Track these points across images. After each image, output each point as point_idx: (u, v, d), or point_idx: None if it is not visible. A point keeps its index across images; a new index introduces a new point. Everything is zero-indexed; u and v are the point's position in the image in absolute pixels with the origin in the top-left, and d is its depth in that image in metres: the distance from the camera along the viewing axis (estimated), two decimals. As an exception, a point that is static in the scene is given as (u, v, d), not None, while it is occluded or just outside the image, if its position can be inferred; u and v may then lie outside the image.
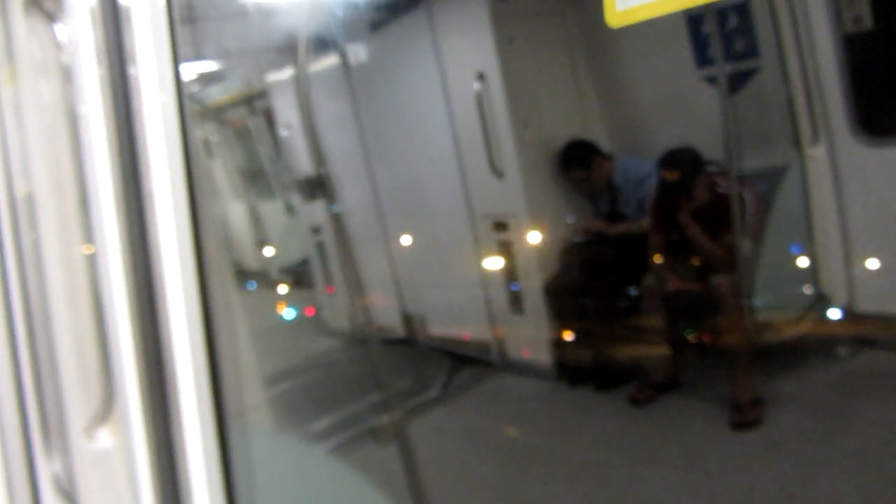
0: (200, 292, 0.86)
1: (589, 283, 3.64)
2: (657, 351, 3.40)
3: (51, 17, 1.55)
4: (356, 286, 3.34)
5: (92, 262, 1.56)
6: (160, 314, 0.90)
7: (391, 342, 4.37)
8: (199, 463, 0.89)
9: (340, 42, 3.98)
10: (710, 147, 3.24)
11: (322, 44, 3.90)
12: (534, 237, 3.76)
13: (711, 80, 3.35)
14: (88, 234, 1.56)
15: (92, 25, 0.94)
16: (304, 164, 3.93)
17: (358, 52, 4.09)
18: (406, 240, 4.34)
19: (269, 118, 5.33)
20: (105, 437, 1.62)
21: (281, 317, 5.05)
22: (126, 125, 0.91)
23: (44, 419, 1.53)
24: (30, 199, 1.51)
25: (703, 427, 3.09)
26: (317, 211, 4.44)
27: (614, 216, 3.74)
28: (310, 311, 5.10)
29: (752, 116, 3.23)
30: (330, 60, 4.14)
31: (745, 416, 2.96)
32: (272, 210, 6.29)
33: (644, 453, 3.04)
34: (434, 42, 3.81)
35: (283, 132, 4.86)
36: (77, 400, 1.58)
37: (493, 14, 3.59)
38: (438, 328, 4.29)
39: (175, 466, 0.94)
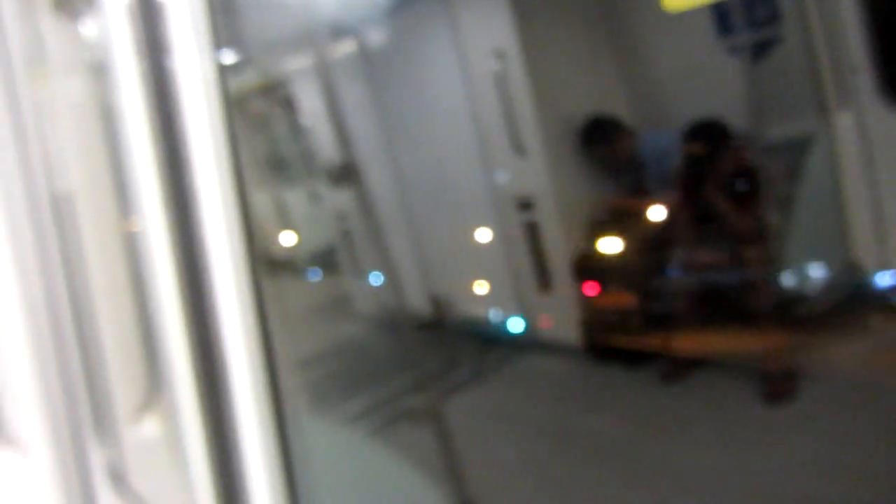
0: (250, 279, 0.88)
1: (616, 260, 3.64)
2: (687, 326, 3.39)
3: (78, 15, 1.57)
4: (387, 270, 3.36)
5: (131, 254, 1.60)
6: (208, 304, 0.92)
7: (419, 325, 4.40)
8: (255, 449, 0.91)
9: (358, 26, 3.98)
10: (735, 118, 3.20)
11: (340, 29, 3.90)
12: (559, 215, 3.75)
13: (734, 49, 3.31)
14: (126, 226, 1.59)
15: (128, 20, 0.96)
16: (328, 152, 3.95)
17: (375, 36, 4.09)
18: (431, 222, 4.35)
19: (291, 106, 5.35)
20: (151, 424, 1.66)
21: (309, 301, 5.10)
22: (166, 118, 0.92)
23: (95, 407, 1.57)
24: (69, 197, 1.54)
25: (735, 401, 3.09)
26: (341, 197, 4.46)
27: (639, 191, 3.71)
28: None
29: (776, 85, 3.19)
30: (348, 45, 4.14)
31: (777, 389, 2.95)
32: (294, 198, 6.34)
33: (676, 429, 3.04)
34: (452, 22, 3.79)
35: (305, 120, 4.88)
36: (122, 388, 1.62)
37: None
38: (466, 309, 4.31)
39: (229, 452, 0.96)
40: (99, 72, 1.55)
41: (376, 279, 4.24)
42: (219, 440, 0.99)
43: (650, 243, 3.57)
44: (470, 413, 3.54)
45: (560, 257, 3.76)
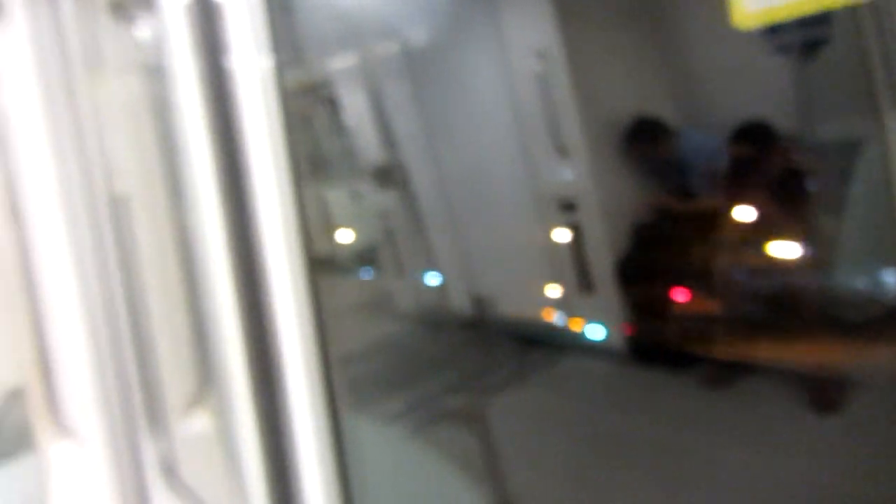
0: (306, 277, 0.89)
1: (659, 262, 3.60)
2: (731, 330, 3.34)
3: (133, 18, 1.61)
4: (431, 269, 3.37)
5: (184, 253, 1.63)
6: (264, 301, 0.94)
7: (460, 324, 4.40)
8: (310, 445, 0.92)
9: (400, 26, 4.01)
10: (783, 119, 3.14)
11: (382, 28, 3.92)
12: (602, 216, 3.73)
13: (782, 48, 3.24)
14: (179, 225, 1.63)
15: (186, 21, 0.98)
16: (371, 151, 3.97)
17: (417, 36, 4.11)
18: (472, 222, 4.36)
19: (333, 106, 5.40)
20: (201, 419, 1.70)
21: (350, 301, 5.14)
22: (223, 117, 0.94)
23: (148, 402, 1.61)
24: (125, 197, 1.59)
25: (780, 407, 3.02)
26: (383, 196, 4.49)
27: (683, 194, 3.67)
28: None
29: (826, 86, 3.11)
30: (390, 45, 4.17)
31: (827, 396, 2.88)
32: (335, 197, 6.39)
33: (719, 434, 2.99)
34: (494, 22, 3.79)
35: (347, 119, 4.92)
36: (173, 384, 1.66)
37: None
38: (507, 310, 4.31)
39: (282, 448, 0.97)
40: (153, 73, 1.59)
41: (433, 279, 4.26)
42: (272, 435, 1.01)
43: (693, 245, 3.52)
44: (511, 414, 3.54)
45: (603, 259, 3.73)
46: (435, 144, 4.35)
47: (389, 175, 2.60)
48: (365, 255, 5.80)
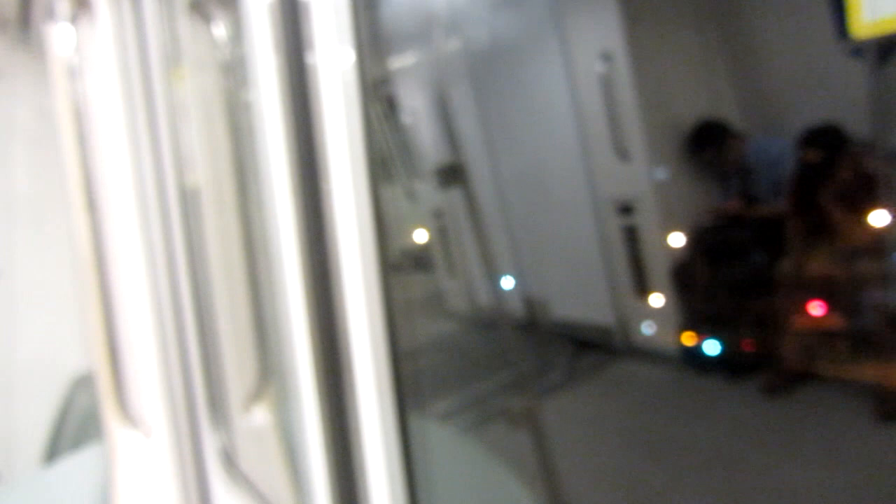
0: (381, 276, 0.89)
1: (720, 268, 3.52)
2: (794, 338, 3.24)
3: (211, 16, 1.64)
4: (489, 269, 3.37)
5: (249, 249, 1.65)
6: (336, 298, 0.94)
7: (513, 326, 4.38)
8: (377, 445, 0.92)
9: (464, 26, 4.00)
10: (856, 124, 3.04)
11: (445, 28, 3.93)
12: (661, 220, 3.66)
13: (856, 51, 3.13)
14: (246, 221, 1.65)
15: (270, 18, 0.99)
16: (429, 151, 3.97)
17: (480, 35, 4.10)
18: (529, 223, 4.33)
19: (391, 104, 5.44)
20: (261, 412, 1.72)
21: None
22: (304, 115, 0.95)
23: (210, 395, 1.63)
24: (195, 191, 1.61)
25: (844, 418, 2.93)
26: (438, 196, 4.50)
27: (748, 199, 3.58)
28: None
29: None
30: (453, 44, 4.17)
31: (893, 407, 2.79)
32: (389, 196, 6.45)
33: (778, 444, 2.91)
34: (558, 23, 3.76)
35: (406, 119, 4.95)
36: (235, 378, 1.69)
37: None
38: (561, 312, 4.27)
39: (349, 445, 0.97)
40: (228, 71, 1.61)
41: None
42: (337, 430, 1.01)
43: (757, 251, 3.43)
44: (563, 416, 3.51)
45: (660, 263, 3.67)
46: (495, 144, 4.34)
47: (451, 174, 2.61)
48: (419, 254, 5.84)
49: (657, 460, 3.04)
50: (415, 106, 4.78)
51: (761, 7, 3.38)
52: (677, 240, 3.63)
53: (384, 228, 0.88)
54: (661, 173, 3.64)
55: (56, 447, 2.49)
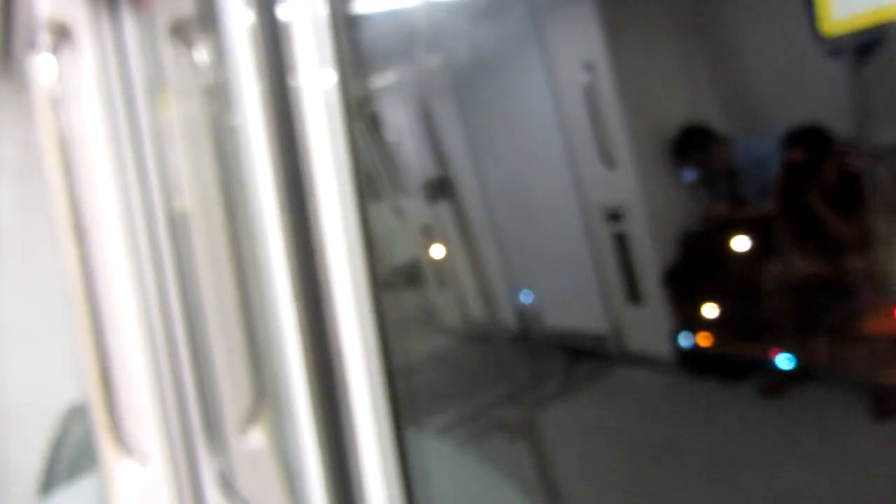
0: (371, 294, 0.89)
1: (710, 272, 3.53)
2: (786, 339, 3.26)
3: (193, 41, 1.64)
4: (481, 282, 3.37)
5: (240, 272, 1.65)
6: (328, 317, 0.94)
7: (507, 337, 4.38)
8: (374, 463, 0.92)
9: (444, 40, 4.03)
10: (838, 123, 3.07)
11: (426, 43, 3.95)
12: (649, 226, 3.68)
13: (835, 51, 3.17)
14: (236, 243, 1.65)
15: (251, 40, 0.99)
16: (416, 166, 3.98)
17: (462, 49, 4.13)
18: (517, 234, 4.34)
19: (374, 122, 5.45)
20: (257, 435, 1.72)
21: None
22: (287, 136, 0.95)
23: (206, 419, 1.63)
24: (184, 216, 1.61)
25: (841, 418, 2.94)
26: (426, 212, 4.50)
27: (735, 201, 3.60)
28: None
29: (882, 88, 3.03)
30: (434, 60, 4.19)
31: (889, 405, 2.80)
32: (376, 213, 6.45)
33: (777, 446, 2.91)
34: (540, 34, 3.79)
35: (391, 135, 4.96)
36: (230, 401, 1.68)
37: (599, 0, 3.54)
38: (554, 322, 4.27)
39: (346, 466, 0.97)
40: (212, 94, 1.62)
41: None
42: (334, 450, 1.01)
43: (746, 253, 3.46)
44: (560, 426, 3.50)
45: (651, 269, 3.68)
46: (481, 157, 4.35)
47: (439, 189, 2.61)
48: (408, 270, 5.83)
49: (658, 467, 3.04)
50: (398, 122, 4.80)
51: (741, 11, 3.42)
52: (666, 245, 3.65)
53: (374, 246, 0.88)
54: (648, 179, 3.66)
55: (51, 478, 2.47)
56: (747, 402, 3.23)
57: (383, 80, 4.80)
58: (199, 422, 1.65)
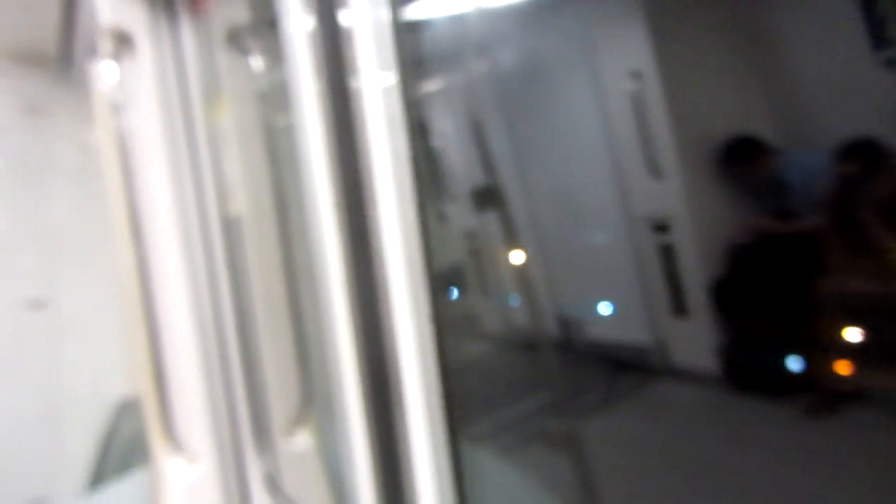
0: (429, 301, 0.89)
1: (759, 285, 3.46)
2: (837, 357, 3.17)
3: (248, 49, 1.68)
4: (526, 291, 3.35)
5: (288, 275, 1.67)
6: (385, 320, 0.94)
7: (549, 346, 4.35)
8: (427, 468, 0.91)
9: (493, 48, 4.03)
10: (893, 136, 2.99)
11: (475, 50, 3.96)
12: (696, 238, 3.62)
13: (892, 62, 3.09)
14: (285, 247, 1.67)
15: (310, 43, 1.00)
16: (460, 173, 3.98)
17: (509, 57, 4.13)
18: (561, 243, 4.31)
19: (422, 127, 5.46)
20: (302, 438, 1.73)
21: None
22: (347, 139, 0.96)
23: (254, 421, 1.65)
24: (237, 219, 1.64)
25: (893, 441, 2.84)
26: (470, 218, 4.50)
27: (784, 214, 3.53)
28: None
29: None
30: (482, 66, 4.20)
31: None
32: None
33: (824, 468, 2.83)
34: (587, 43, 3.77)
35: (437, 141, 4.97)
36: (277, 404, 1.70)
37: (648, 9, 3.51)
38: (596, 332, 4.23)
39: (397, 468, 0.97)
40: (266, 99, 1.64)
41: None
42: (387, 456, 1.01)
43: (796, 268, 3.38)
44: (602, 439, 3.45)
45: (697, 281, 3.62)
46: (526, 165, 4.34)
47: (487, 197, 2.61)
48: (450, 276, 5.84)
49: (701, 486, 2.98)
50: (445, 128, 4.81)
51: (793, 20, 3.36)
52: (714, 257, 3.59)
53: (432, 251, 0.89)
54: (696, 190, 3.61)
55: (100, 471, 2.52)
56: (792, 421, 3.15)
57: (430, 85, 4.82)
58: (248, 422, 1.67)
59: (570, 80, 3.92)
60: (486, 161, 2.62)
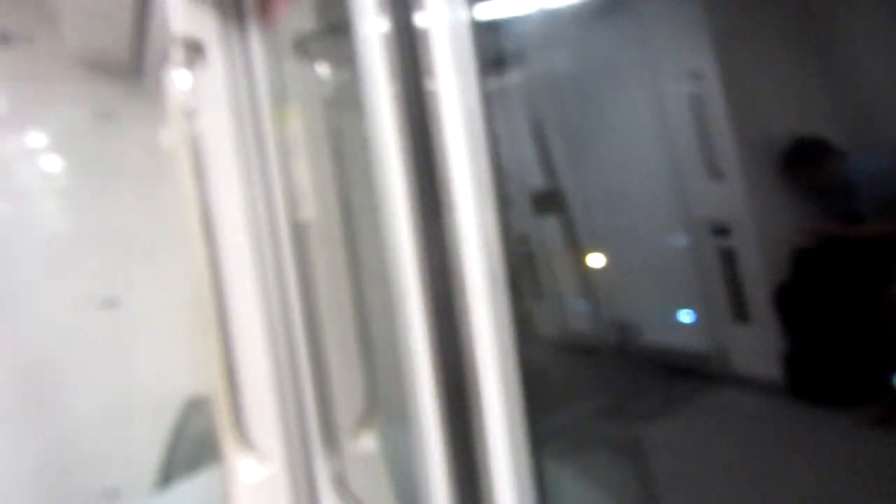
0: (510, 304, 0.89)
1: (824, 291, 3.36)
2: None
3: (313, 55, 1.70)
4: (588, 294, 3.32)
5: (355, 280, 1.69)
6: (462, 323, 0.94)
7: (606, 351, 4.30)
8: (508, 485, 0.91)
9: (548, 48, 4.01)
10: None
11: (535, 50, 3.94)
12: (759, 242, 3.53)
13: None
14: (352, 252, 1.69)
15: (385, 47, 1.01)
16: (516, 175, 3.97)
17: (563, 58, 4.09)
18: (616, 246, 4.26)
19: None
20: (367, 440, 1.75)
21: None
22: (422, 140, 0.96)
23: (322, 422, 1.67)
24: (305, 224, 1.67)
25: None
26: (524, 221, 4.47)
27: (851, 218, 3.41)
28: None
29: None
30: (540, 67, 4.18)
31: None
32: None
33: (894, 481, 2.73)
34: (644, 43, 3.72)
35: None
36: (344, 406, 1.72)
37: (710, 8, 3.44)
38: (653, 338, 4.16)
39: (475, 481, 0.97)
40: (332, 105, 1.67)
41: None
42: (464, 461, 1.01)
43: (863, 273, 3.27)
44: (660, 446, 3.40)
45: (759, 286, 3.53)
46: (584, 167, 4.30)
47: (548, 201, 2.59)
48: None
49: (763, 493, 2.90)
50: (499, 130, 4.79)
51: (862, 19, 3.25)
52: (777, 262, 3.50)
53: (512, 253, 0.88)
54: (758, 193, 3.52)
55: (169, 467, 2.59)
56: (859, 431, 3.05)
57: (490, 86, 4.81)
58: (315, 423, 1.69)
59: (628, 82, 3.86)
60: (547, 164, 2.60)
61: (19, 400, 2.47)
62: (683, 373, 3.97)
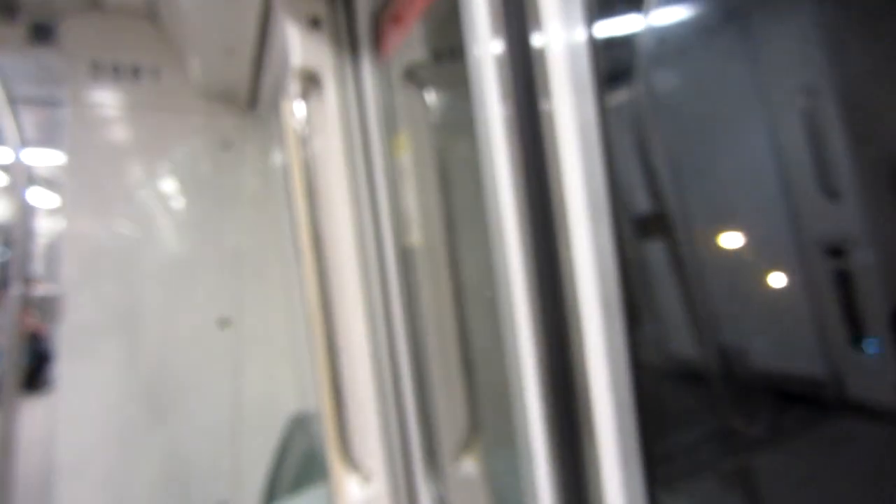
0: (625, 330, 0.87)
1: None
2: None
3: (422, 83, 1.74)
4: (697, 318, 3.22)
5: (459, 305, 1.70)
6: (574, 348, 0.94)
7: (709, 376, 4.15)
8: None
9: (647, 66, 3.94)
10: None
11: (627, 68, 3.89)
12: (878, 263, 3.33)
13: None
14: (456, 277, 1.71)
15: (499, 69, 1.02)
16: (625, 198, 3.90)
17: (666, 76, 4.01)
18: (720, 266, 4.11)
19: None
20: (469, 464, 1.75)
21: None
22: (537, 161, 0.96)
23: (426, 443, 1.69)
24: (410, 247, 1.70)
25: None
26: (632, 244, 4.39)
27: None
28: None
29: None
30: (646, 85, 4.11)
31: None
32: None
33: None
34: (753, 59, 3.60)
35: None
36: (447, 430, 1.73)
37: (824, 22, 3.30)
38: (762, 363, 3.98)
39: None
40: (440, 132, 1.70)
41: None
42: (574, 487, 0.99)
43: None
44: (771, 475, 3.24)
45: (878, 309, 3.33)
46: (688, 185, 4.19)
47: (655, 225, 2.53)
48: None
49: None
50: (616, 151, 4.73)
51: None
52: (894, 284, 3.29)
53: (630, 277, 0.87)
54: (876, 212, 3.33)
55: (275, 481, 2.68)
56: None
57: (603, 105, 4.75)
58: (419, 445, 1.71)
59: (733, 95, 3.74)
60: (654, 186, 2.54)
61: (144, 413, 2.63)
62: (793, 398, 3.77)
